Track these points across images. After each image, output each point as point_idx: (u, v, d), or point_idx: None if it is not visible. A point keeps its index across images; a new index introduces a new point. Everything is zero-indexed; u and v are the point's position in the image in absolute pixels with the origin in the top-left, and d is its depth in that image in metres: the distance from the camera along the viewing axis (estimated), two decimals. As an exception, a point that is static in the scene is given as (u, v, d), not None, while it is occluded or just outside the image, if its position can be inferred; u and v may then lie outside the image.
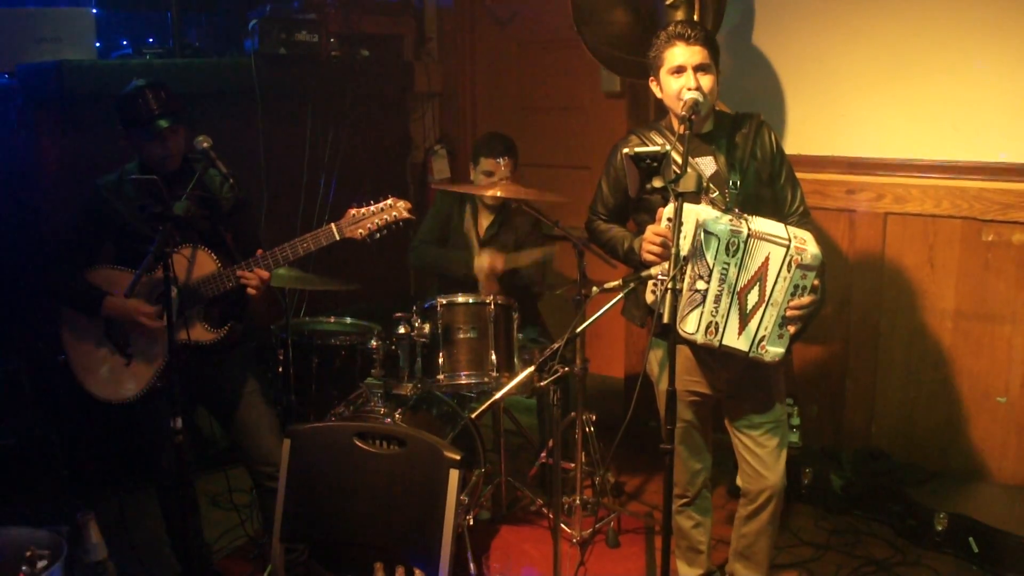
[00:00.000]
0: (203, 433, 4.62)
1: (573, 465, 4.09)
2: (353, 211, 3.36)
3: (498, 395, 3.10)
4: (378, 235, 3.36)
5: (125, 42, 5.09)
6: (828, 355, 4.53)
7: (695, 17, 3.93)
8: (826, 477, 4.30)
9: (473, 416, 3.09)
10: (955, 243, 4.18)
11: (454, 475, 2.49)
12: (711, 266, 2.84)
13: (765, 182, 3.14)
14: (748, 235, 2.85)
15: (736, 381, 3.17)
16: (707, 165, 3.12)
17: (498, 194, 3.99)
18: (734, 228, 2.85)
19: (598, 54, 4.24)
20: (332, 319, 4.62)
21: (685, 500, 3.44)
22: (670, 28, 3.10)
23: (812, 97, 4.43)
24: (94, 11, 4.69)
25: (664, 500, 2.74)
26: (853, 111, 4.38)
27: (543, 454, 4.34)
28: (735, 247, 2.85)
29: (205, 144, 3.35)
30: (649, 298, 3.05)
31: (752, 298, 2.89)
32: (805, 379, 4.59)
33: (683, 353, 3.17)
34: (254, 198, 3.91)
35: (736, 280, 2.88)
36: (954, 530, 3.85)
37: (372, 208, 3.36)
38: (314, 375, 4.30)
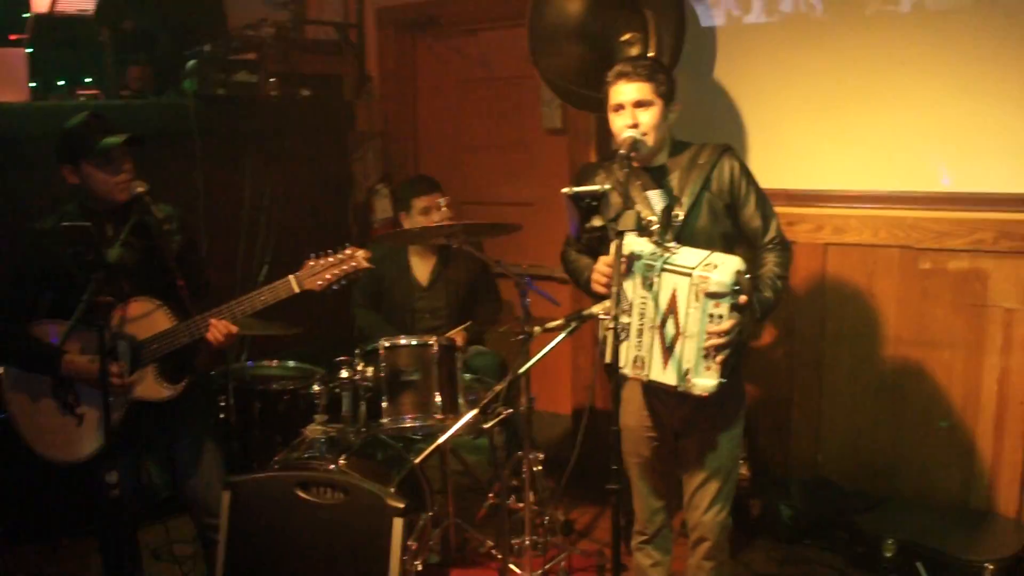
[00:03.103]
0: (143, 482, 4.51)
1: (522, 505, 4.05)
2: (311, 262, 3.32)
3: (441, 439, 3.08)
4: (336, 286, 3.32)
5: (62, 82, 5.03)
6: (773, 385, 4.55)
7: (650, 52, 3.95)
8: (775, 508, 4.30)
9: (417, 461, 3.05)
10: (893, 272, 4.21)
11: (398, 524, 2.46)
12: (631, 301, 2.84)
13: (721, 214, 3.11)
14: (659, 269, 2.85)
15: (689, 419, 3.13)
16: (658, 198, 3.11)
17: (447, 220, 3.96)
18: (648, 263, 2.85)
19: (554, 87, 4.25)
20: (275, 363, 4.57)
21: (644, 538, 3.40)
22: (616, 66, 3.11)
23: (750, 130, 4.45)
24: (28, 50, 4.62)
25: (612, 539, 2.73)
26: (791, 143, 4.40)
27: (491, 495, 4.30)
28: (649, 282, 2.85)
29: (140, 189, 3.28)
30: (600, 335, 3.04)
31: (670, 331, 2.85)
32: (751, 409, 4.56)
33: (637, 390, 3.16)
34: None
35: (655, 314, 2.87)
36: (903, 556, 3.85)
37: (331, 259, 3.31)
38: (257, 421, 4.25)
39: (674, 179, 3.11)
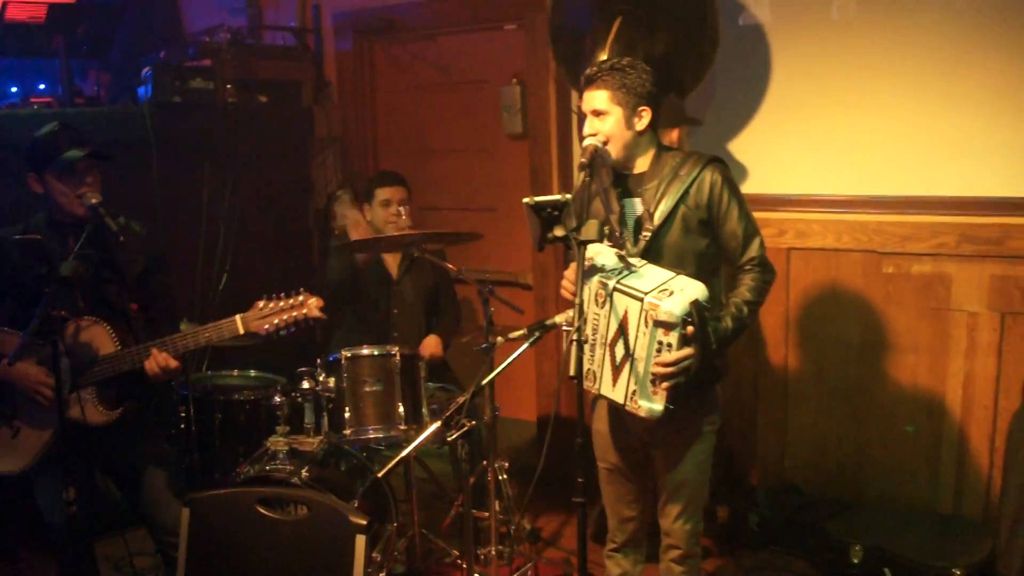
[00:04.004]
0: (101, 492, 4.42)
1: (487, 514, 4.00)
2: (261, 303, 3.23)
3: (404, 452, 3.01)
4: (284, 332, 3.22)
5: (14, 89, 4.92)
6: (738, 390, 4.53)
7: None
8: (742, 514, 4.29)
9: (380, 475, 2.99)
10: (857, 276, 4.21)
11: (360, 541, 2.41)
12: (585, 314, 2.79)
13: (696, 230, 2.99)
14: (612, 288, 2.79)
15: (654, 431, 3.07)
16: (635, 207, 3.03)
17: (406, 229, 3.92)
18: (602, 279, 2.80)
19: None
20: (236, 372, 4.48)
21: (613, 546, 3.35)
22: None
23: (709, 132, 4.41)
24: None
25: (579, 552, 2.69)
26: (752, 147, 4.39)
27: (456, 504, 4.25)
28: (602, 299, 2.80)
29: (93, 200, 3.19)
30: (564, 345, 2.99)
31: (619, 351, 2.80)
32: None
33: None
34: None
35: (607, 331, 2.82)
36: (870, 561, 3.85)
37: (281, 304, 3.22)
38: (217, 432, 4.16)
39: (650, 189, 3.01)
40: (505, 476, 4.05)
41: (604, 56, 3.86)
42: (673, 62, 3.85)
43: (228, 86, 5.11)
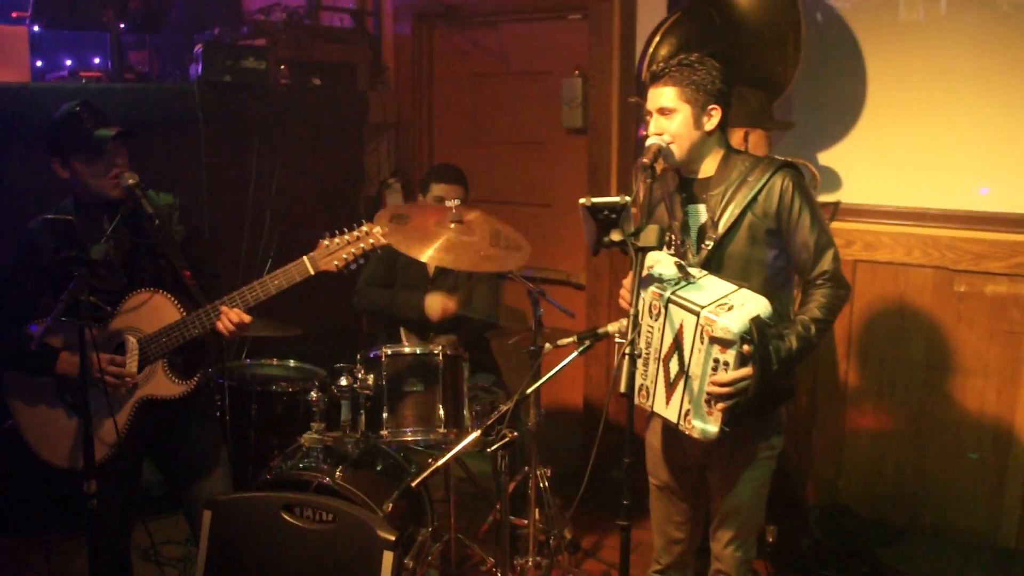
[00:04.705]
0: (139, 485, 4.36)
1: (527, 522, 3.86)
2: (326, 242, 3.14)
3: (440, 462, 2.87)
4: (354, 265, 3.14)
5: (69, 62, 4.86)
6: (795, 405, 4.34)
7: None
8: (793, 536, 4.11)
9: (414, 484, 2.86)
10: (926, 293, 4.05)
11: (388, 558, 2.29)
12: (640, 326, 2.63)
13: (763, 240, 2.81)
14: (667, 299, 2.62)
15: (710, 451, 2.89)
16: (699, 214, 2.87)
17: (452, 224, 3.76)
18: (658, 289, 2.64)
19: None
20: (275, 361, 4.40)
21: (658, 567, 3.18)
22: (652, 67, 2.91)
23: (777, 137, 4.23)
24: (35, 28, 4.46)
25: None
26: (822, 153, 4.24)
27: (495, 510, 4.11)
28: (656, 311, 2.64)
29: (131, 181, 3.09)
30: (615, 356, 2.84)
31: (674, 367, 2.64)
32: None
33: None
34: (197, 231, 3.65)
35: (661, 345, 2.66)
36: (924, 594, 3.69)
37: (346, 237, 3.14)
38: (253, 423, 4.07)
39: (716, 195, 2.83)
40: (547, 483, 3.91)
41: (663, 51, 3.73)
42: (760, 61, 3.70)
43: (282, 67, 5.04)
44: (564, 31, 5.09)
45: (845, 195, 4.19)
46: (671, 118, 2.82)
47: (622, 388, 2.29)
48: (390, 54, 5.69)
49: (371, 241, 3.14)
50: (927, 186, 4.02)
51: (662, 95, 2.82)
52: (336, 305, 4.75)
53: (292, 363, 4.37)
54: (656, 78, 2.84)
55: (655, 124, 2.82)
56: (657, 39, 3.88)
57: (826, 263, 2.81)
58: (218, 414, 3.99)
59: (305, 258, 3.13)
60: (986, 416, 3.95)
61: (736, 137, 3.78)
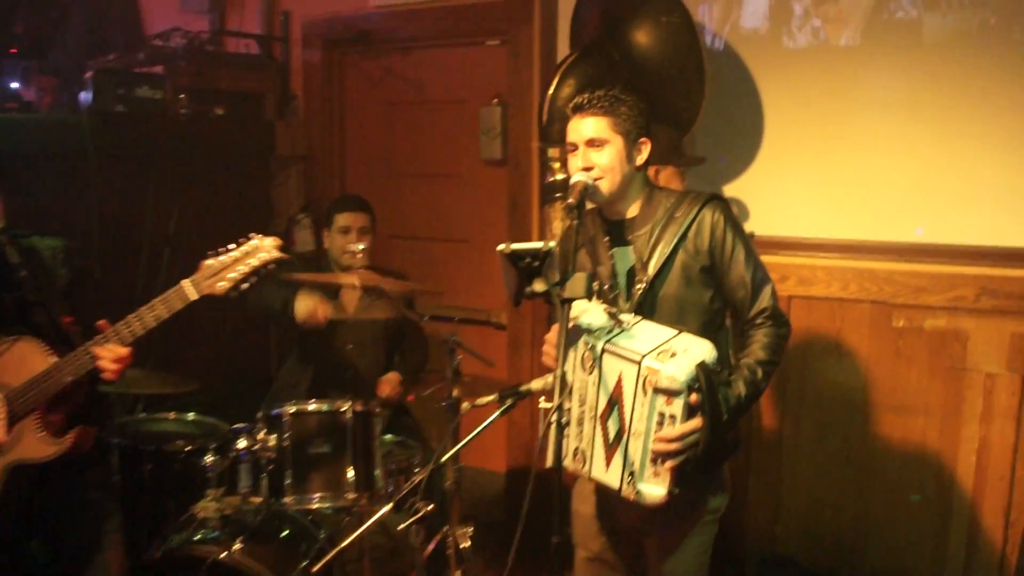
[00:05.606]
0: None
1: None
2: (209, 261, 2.81)
3: (343, 544, 2.58)
4: (245, 285, 2.80)
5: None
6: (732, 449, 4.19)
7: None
8: (730, 589, 3.94)
9: (315, 570, 2.56)
10: (864, 329, 3.94)
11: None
12: (571, 383, 2.41)
13: (697, 280, 2.63)
14: (602, 349, 2.41)
15: (648, 516, 2.63)
16: (626, 257, 2.67)
17: (356, 284, 3.50)
18: (592, 340, 2.42)
19: None
20: (172, 415, 4.05)
21: None
22: (575, 97, 2.68)
23: (708, 168, 4.12)
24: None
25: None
26: (754, 185, 4.13)
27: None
28: (590, 363, 2.42)
29: None
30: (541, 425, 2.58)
31: (613, 425, 2.42)
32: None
33: None
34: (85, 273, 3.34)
35: (597, 402, 2.43)
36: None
37: (233, 253, 2.80)
38: (147, 485, 3.71)
39: (643, 235, 2.64)
40: (469, 543, 3.64)
41: (564, 91, 3.63)
42: (665, 98, 3.61)
43: (181, 96, 4.75)
44: (482, 57, 4.92)
45: (777, 228, 4.08)
46: (602, 150, 2.61)
47: (548, 462, 2.03)
48: (299, 82, 5.45)
49: (263, 256, 2.81)
50: (864, 218, 3.94)
51: (592, 125, 2.62)
52: (246, 345, 4.47)
53: (192, 416, 4.03)
54: (581, 109, 2.63)
55: (582, 158, 2.61)
56: (557, 79, 3.79)
57: (765, 300, 2.65)
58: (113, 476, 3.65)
59: (185, 282, 2.80)
60: (928, 456, 3.86)
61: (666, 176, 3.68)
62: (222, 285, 2.78)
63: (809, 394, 4.07)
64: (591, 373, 2.42)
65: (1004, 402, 3.68)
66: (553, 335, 2.55)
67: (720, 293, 2.68)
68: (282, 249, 2.87)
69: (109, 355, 2.77)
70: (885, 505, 3.95)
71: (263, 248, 2.82)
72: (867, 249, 3.91)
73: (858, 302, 3.92)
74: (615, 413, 2.40)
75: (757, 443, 4.18)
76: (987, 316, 3.68)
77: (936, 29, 3.72)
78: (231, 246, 2.83)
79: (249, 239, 2.84)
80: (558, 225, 3.70)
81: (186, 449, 3.73)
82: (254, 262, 2.80)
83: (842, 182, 3.95)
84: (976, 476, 3.76)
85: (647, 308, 2.60)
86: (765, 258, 3.83)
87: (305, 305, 3.81)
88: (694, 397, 2.35)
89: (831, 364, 4.00)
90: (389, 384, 4.02)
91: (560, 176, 3.80)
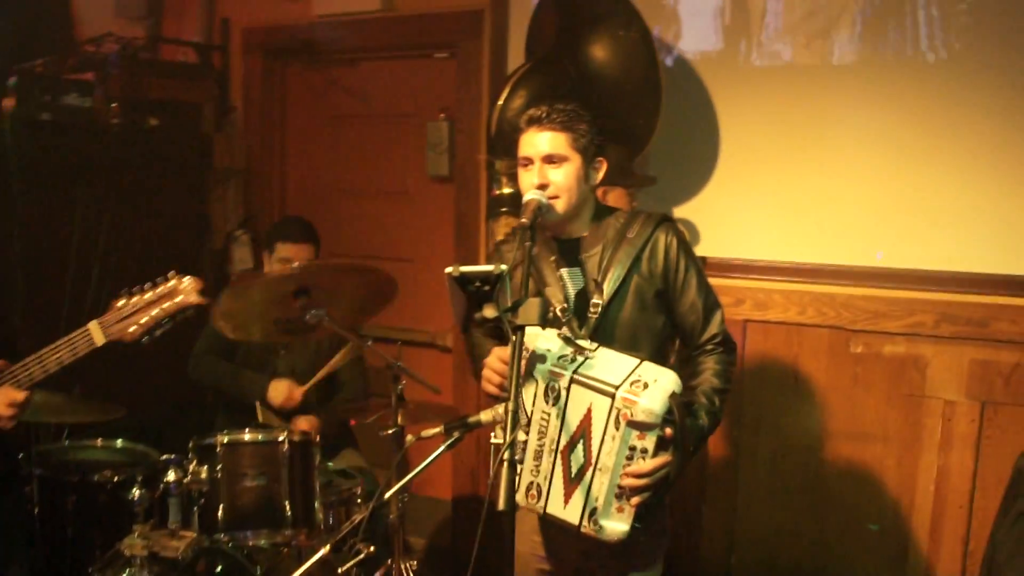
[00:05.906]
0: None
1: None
2: (120, 302, 2.61)
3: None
4: (158, 332, 2.61)
5: None
6: (681, 479, 4.07)
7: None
8: (683, 623, 3.83)
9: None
10: (821, 354, 3.88)
11: None
12: (530, 414, 2.28)
13: (652, 304, 2.55)
14: (569, 379, 2.29)
15: (592, 553, 2.53)
16: (574, 280, 2.57)
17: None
18: (555, 369, 2.29)
19: None
20: (99, 442, 3.85)
21: None
22: (528, 110, 2.56)
23: (661, 188, 4.04)
24: None
25: None
26: (708, 206, 4.06)
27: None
28: (555, 393, 2.29)
29: None
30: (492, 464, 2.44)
31: (577, 459, 2.30)
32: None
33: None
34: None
35: (559, 435, 2.31)
36: None
37: (147, 296, 2.61)
38: (71, 518, 3.51)
39: (594, 256, 2.55)
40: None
41: (515, 103, 3.56)
42: (619, 115, 3.56)
43: (112, 105, 4.54)
44: (430, 71, 4.80)
45: (732, 250, 4.02)
46: (560, 168, 2.50)
47: (501, 504, 1.87)
48: (238, 93, 5.28)
49: (180, 299, 2.62)
50: (822, 242, 3.89)
51: (549, 141, 2.50)
52: (178, 368, 4.26)
53: (120, 443, 3.83)
54: (539, 122, 2.51)
55: (538, 174, 2.48)
56: (508, 89, 3.70)
57: (715, 326, 2.60)
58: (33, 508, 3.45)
59: (93, 324, 2.61)
60: (886, 484, 3.81)
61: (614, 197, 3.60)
62: (133, 331, 2.61)
63: (765, 420, 4.00)
64: (554, 404, 2.29)
65: (963, 429, 3.65)
66: (495, 359, 2.43)
67: (671, 318, 2.61)
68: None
69: (2, 400, 2.56)
70: (843, 534, 3.89)
71: (181, 291, 2.64)
72: (825, 273, 3.86)
73: (816, 327, 3.86)
74: (580, 446, 2.28)
75: (712, 471, 4.10)
76: (946, 342, 3.65)
77: (897, 54, 3.69)
78: (147, 284, 2.65)
79: (167, 279, 2.66)
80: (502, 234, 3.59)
81: (113, 480, 3.53)
82: (169, 307, 2.62)
83: (800, 205, 3.91)
84: (935, 504, 3.73)
85: (603, 334, 2.50)
86: (721, 281, 3.82)
87: (279, 392, 3.79)
88: (668, 431, 2.26)
89: (788, 389, 3.93)
90: (308, 423, 3.85)
91: (507, 190, 3.69)
